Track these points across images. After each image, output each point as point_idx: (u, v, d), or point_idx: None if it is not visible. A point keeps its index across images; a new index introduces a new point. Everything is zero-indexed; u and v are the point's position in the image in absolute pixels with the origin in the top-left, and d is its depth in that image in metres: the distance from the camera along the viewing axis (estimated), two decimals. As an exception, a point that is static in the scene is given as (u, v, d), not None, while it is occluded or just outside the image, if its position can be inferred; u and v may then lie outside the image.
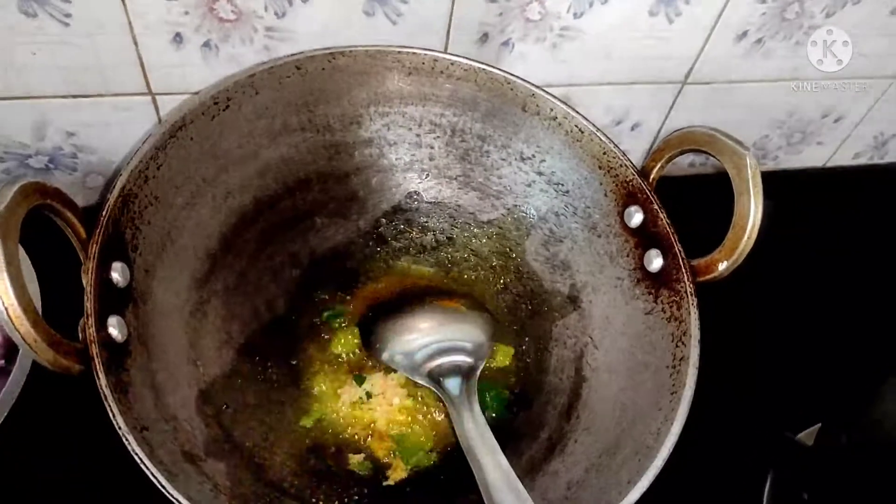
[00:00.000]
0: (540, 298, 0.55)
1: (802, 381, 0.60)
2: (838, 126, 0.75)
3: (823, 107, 0.72)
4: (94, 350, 0.37)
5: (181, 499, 0.35)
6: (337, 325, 0.53)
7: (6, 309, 0.33)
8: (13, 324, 0.33)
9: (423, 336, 0.51)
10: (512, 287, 0.56)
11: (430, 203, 0.58)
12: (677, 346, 0.45)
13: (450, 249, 0.58)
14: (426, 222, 0.58)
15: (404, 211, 0.57)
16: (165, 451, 0.38)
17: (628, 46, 0.60)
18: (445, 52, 0.54)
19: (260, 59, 0.52)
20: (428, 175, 0.57)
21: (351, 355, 0.52)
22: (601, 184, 0.52)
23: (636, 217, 0.50)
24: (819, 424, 0.54)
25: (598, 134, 0.51)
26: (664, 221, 0.48)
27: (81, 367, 0.37)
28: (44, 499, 0.47)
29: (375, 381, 0.51)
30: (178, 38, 0.50)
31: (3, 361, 0.49)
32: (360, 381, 0.51)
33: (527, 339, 0.54)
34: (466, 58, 0.52)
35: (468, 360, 0.50)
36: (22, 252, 0.52)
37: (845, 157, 0.81)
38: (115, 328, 0.39)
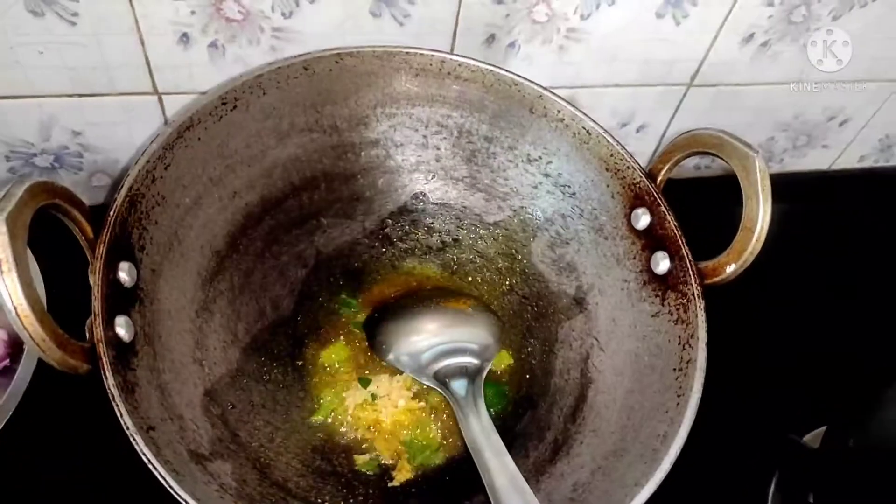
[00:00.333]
0: (546, 300, 0.55)
1: (808, 383, 0.59)
2: (844, 129, 0.75)
3: (829, 110, 0.72)
4: (102, 349, 0.37)
5: (188, 498, 0.35)
6: (343, 323, 0.54)
7: (15, 308, 0.33)
8: (22, 323, 0.33)
9: (430, 337, 0.51)
10: (518, 288, 0.56)
11: (437, 204, 0.58)
12: (684, 348, 0.45)
13: (455, 251, 0.58)
14: (432, 223, 0.58)
15: (410, 212, 0.57)
16: (172, 450, 0.38)
17: (635, 48, 0.60)
18: (452, 53, 0.54)
19: (266, 60, 0.52)
20: (434, 176, 0.57)
21: (356, 356, 0.52)
22: (608, 186, 0.52)
23: (643, 219, 0.50)
24: (825, 427, 0.53)
25: (605, 136, 0.51)
26: (672, 224, 0.48)
27: (89, 366, 0.37)
28: (48, 499, 0.47)
29: (381, 383, 0.51)
30: (184, 38, 0.50)
31: (7, 361, 0.49)
32: (365, 383, 0.51)
33: (532, 340, 0.54)
34: (474, 59, 0.52)
35: (474, 361, 0.50)
36: (27, 251, 0.53)
37: (851, 160, 0.81)
38: (122, 328, 0.39)
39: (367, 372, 0.51)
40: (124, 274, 0.41)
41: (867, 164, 0.82)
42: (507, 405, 0.52)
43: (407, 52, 0.51)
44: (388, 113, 0.54)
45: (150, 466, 0.35)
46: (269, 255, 0.52)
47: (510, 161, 0.56)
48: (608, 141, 0.51)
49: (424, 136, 0.55)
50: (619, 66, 0.62)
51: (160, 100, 0.54)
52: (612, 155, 0.51)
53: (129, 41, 0.50)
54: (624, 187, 0.51)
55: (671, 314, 0.47)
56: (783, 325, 0.64)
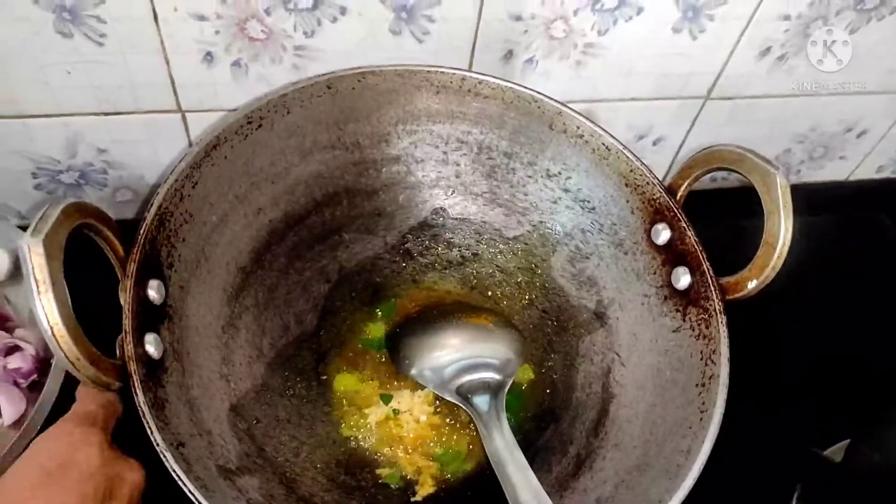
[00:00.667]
0: (566, 314, 0.55)
1: (830, 396, 0.59)
2: (861, 140, 0.75)
3: (845, 122, 0.72)
4: (133, 367, 0.38)
5: (219, 515, 0.35)
6: (365, 339, 0.54)
7: (51, 328, 0.34)
8: (58, 342, 0.34)
9: (452, 352, 0.51)
10: (538, 303, 0.57)
11: (457, 219, 0.58)
12: (707, 364, 0.45)
13: (476, 265, 0.58)
14: (452, 238, 0.58)
15: (431, 227, 0.58)
16: (202, 466, 0.39)
17: (651, 63, 0.61)
18: (470, 69, 0.55)
19: (289, 78, 0.53)
20: (454, 192, 0.57)
21: (378, 372, 0.53)
22: (628, 201, 0.52)
23: (663, 234, 0.50)
24: (847, 441, 0.53)
25: (625, 152, 0.51)
26: (692, 239, 0.48)
27: (120, 383, 0.38)
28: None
29: (403, 399, 0.51)
30: (208, 56, 0.51)
31: (36, 375, 0.50)
32: (386, 399, 0.51)
33: (553, 354, 0.55)
34: (494, 76, 0.53)
35: (496, 376, 0.50)
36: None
37: (868, 171, 0.80)
38: (151, 345, 0.40)
39: (388, 387, 0.52)
40: (153, 292, 0.42)
41: (885, 174, 0.82)
42: (525, 413, 0.52)
43: (428, 71, 0.52)
44: (409, 130, 0.55)
45: (180, 483, 0.36)
46: (292, 271, 0.53)
47: (530, 176, 0.56)
48: (628, 157, 0.51)
49: (445, 153, 0.56)
50: (636, 81, 0.62)
51: (184, 118, 0.55)
52: (631, 171, 0.51)
53: (155, 60, 0.50)
54: (644, 202, 0.51)
55: (693, 329, 0.47)
56: (804, 338, 0.64)
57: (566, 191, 0.55)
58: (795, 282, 0.58)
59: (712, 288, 0.47)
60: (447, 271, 0.58)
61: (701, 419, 0.43)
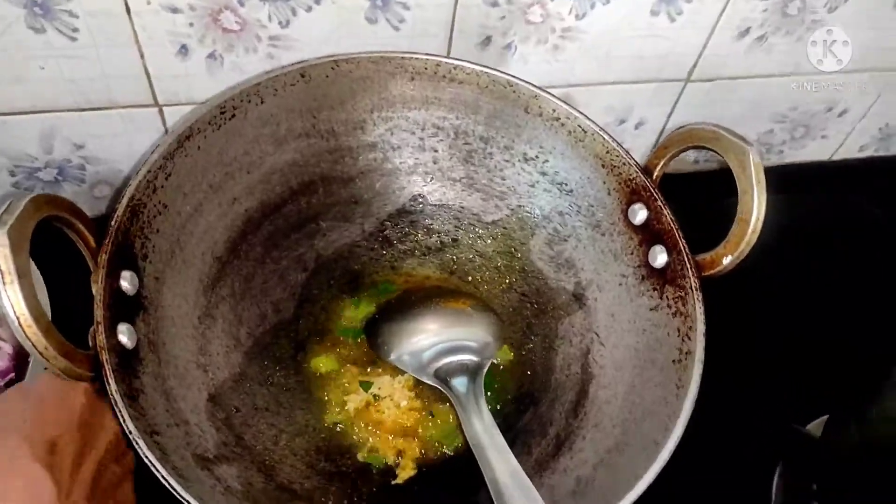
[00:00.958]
0: (545, 297, 0.55)
1: (810, 373, 0.60)
2: (843, 119, 0.75)
3: (827, 101, 0.72)
4: (105, 357, 0.38)
5: (193, 502, 0.35)
6: (343, 326, 0.54)
7: (18, 319, 0.34)
8: (25, 333, 0.34)
9: (430, 336, 0.51)
10: (517, 286, 0.57)
11: (435, 205, 0.58)
12: (683, 341, 0.45)
13: (455, 251, 0.58)
14: (431, 224, 0.58)
15: (409, 213, 0.58)
16: (178, 456, 0.39)
17: (630, 46, 0.61)
18: (448, 56, 0.55)
19: (264, 68, 0.52)
20: (432, 178, 0.57)
21: (358, 359, 0.53)
22: (604, 182, 0.52)
23: (640, 214, 0.50)
24: (827, 416, 0.54)
25: (600, 133, 0.51)
26: (668, 218, 0.49)
27: (92, 374, 0.38)
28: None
29: (383, 384, 0.51)
30: (183, 49, 0.51)
31: (13, 374, 0.49)
32: (366, 387, 0.51)
33: (533, 337, 0.55)
34: (469, 61, 0.53)
35: (474, 358, 0.50)
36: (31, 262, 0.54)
37: (851, 150, 0.80)
38: (124, 335, 0.40)
39: (368, 374, 0.52)
40: (126, 283, 0.42)
41: (868, 153, 0.82)
42: (505, 396, 0.52)
43: (402, 57, 0.52)
44: (385, 117, 0.55)
45: (154, 471, 0.36)
46: (269, 260, 0.53)
47: (507, 161, 0.56)
48: (604, 138, 0.51)
49: (421, 139, 0.56)
50: (615, 64, 0.62)
51: (161, 111, 0.55)
52: (607, 152, 0.51)
53: (129, 53, 0.50)
54: (620, 183, 0.51)
55: (670, 307, 0.47)
56: (784, 315, 0.64)
57: (543, 174, 0.55)
58: (775, 260, 0.58)
59: (688, 265, 0.47)
60: (426, 257, 0.58)
61: (677, 396, 0.43)
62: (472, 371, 0.49)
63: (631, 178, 0.51)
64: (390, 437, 0.49)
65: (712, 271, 0.46)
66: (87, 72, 0.51)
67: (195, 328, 0.46)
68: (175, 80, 0.53)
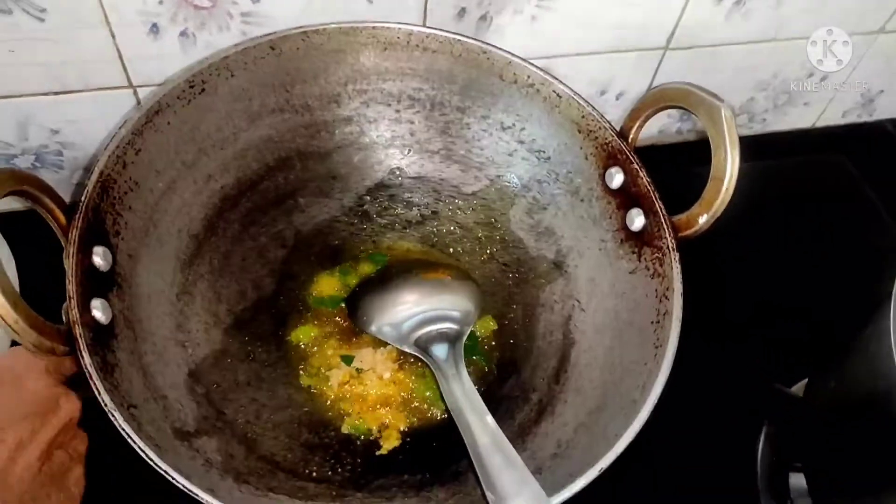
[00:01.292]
0: (526, 266, 0.55)
1: (791, 334, 0.60)
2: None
3: (807, 66, 0.72)
4: (78, 331, 0.37)
5: (170, 470, 0.35)
6: (322, 300, 0.54)
7: (-15, 291, 0.33)
8: (-7, 305, 0.34)
9: (410, 307, 0.51)
10: (498, 256, 0.56)
11: (414, 178, 0.58)
12: (661, 301, 0.45)
13: (435, 223, 0.58)
14: (410, 197, 0.58)
15: (388, 187, 0.58)
16: (155, 428, 0.39)
17: (607, 14, 0.60)
18: (420, 25, 0.55)
19: (237, 44, 0.52)
20: (410, 150, 0.57)
21: (339, 333, 0.52)
22: (581, 148, 0.52)
23: (617, 178, 0.50)
24: (807, 379, 0.54)
25: (575, 98, 0.51)
26: (644, 180, 0.48)
27: (66, 347, 0.37)
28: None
29: (365, 358, 0.51)
30: (154, 28, 0.51)
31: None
32: (348, 360, 0.51)
33: (514, 306, 0.54)
34: (441, 30, 0.52)
35: (454, 326, 0.50)
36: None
37: (834, 117, 0.80)
38: (98, 310, 0.40)
39: (349, 347, 0.52)
40: (99, 259, 0.41)
41: (850, 119, 0.81)
42: (488, 365, 0.52)
43: (374, 27, 0.52)
44: (359, 89, 0.54)
45: (130, 442, 0.36)
46: (247, 237, 0.52)
47: (484, 130, 0.56)
48: (579, 103, 0.51)
49: (397, 111, 0.56)
50: (593, 34, 0.62)
51: (135, 93, 0.55)
52: (583, 116, 0.51)
53: (100, 34, 0.50)
54: (597, 148, 0.51)
55: (648, 269, 0.47)
56: (766, 277, 0.64)
57: (521, 142, 0.55)
58: (755, 224, 0.59)
59: (665, 226, 0.46)
60: (406, 231, 0.58)
61: (655, 355, 0.43)
62: (452, 339, 0.49)
63: (607, 141, 0.50)
64: (374, 409, 0.49)
65: (689, 231, 0.46)
66: (59, 54, 0.50)
67: (173, 305, 0.46)
68: (148, 61, 0.53)
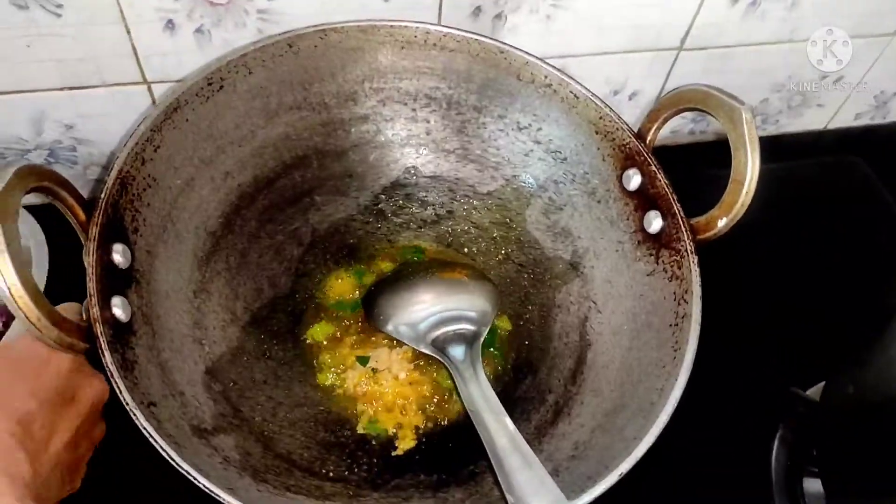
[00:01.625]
0: (542, 266, 0.55)
1: (808, 336, 0.59)
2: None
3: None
4: (98, 328, 0.37)
5: (190, 469, 0.35)
6: (338, 300, 0.54)
7: (9, 288, 0.33)
8: (16, 302, 0.34)
9: (427, 307, 0.51)
10: (514, 257, 0.56)
11: (429, 177, 0.58)
12: (679, 304, 0.45)
13: (450, 223, 0.58)
14: (426, 197, 0.58)
15: (403, 186, 0.58)
16: (173, 425, 0.39)
17: (622, 14, 0.60)
18: (437, 24, 0.54)
19: (253, 42, 0.52)
20: (425, 149, 0.57)
21: (355, 332, 0.52)
22: (598, 149, 0.52)
23: (634, 179, 0.50)
24: (824, 382, 0.54)
25: (593, 99, 0.51)
26: (662, 182, 0.48)
27: (86, 345, 0.37)
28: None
29: (380, 357, 0.51)
30: (170, 24, 0.50)
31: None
32: (363, 361, 0.51)
33: (530, 307, 0.54)
34: (459, 29, 0.52)
35: (471, 327, 0.50)
36: (41, 234, 0.54)
37: (847, 119, 0.80)
38: (118, 308, 0.40)
39: (365, 347, 0.52)
40: (118, 256, 0.41)
41: (864, 121, 0.81)
42: (504, 366, 0.52)
43: (391, 25, 0.51)
44: (376, 87, 0.54)
45: (151, 440, 0.36)
46: (264, 235, 0.52)
47: (501, 130, 0.56)
48: (596, 104, 0.51)
49: (414, 110, 0.56)
50: (608, 34, 0.62)
51: (150, 89, 0.55)
52: (601, 117, 0.51)
53: (116, 31, 0.50)
54: (614, 149, 0.51)
55: (665, 272, 0.47)
56: (783, 280, 0.64)
57: (537, 142, 0.55)
58: (772, 226, 0.58)
59: (683, 229, 0.46)
60: (422, 230, 0.58)
61: (674, 358, 0.43)
62: (469, 340, 0.49)
63: (624, 143, 0.50)
64: (389, 410, 0.49)
65: (707, 234, 0.46)
66: (75, 50, 0.50)
67: (190, 302, 0.46)
68: (164, 57, 0.53)
